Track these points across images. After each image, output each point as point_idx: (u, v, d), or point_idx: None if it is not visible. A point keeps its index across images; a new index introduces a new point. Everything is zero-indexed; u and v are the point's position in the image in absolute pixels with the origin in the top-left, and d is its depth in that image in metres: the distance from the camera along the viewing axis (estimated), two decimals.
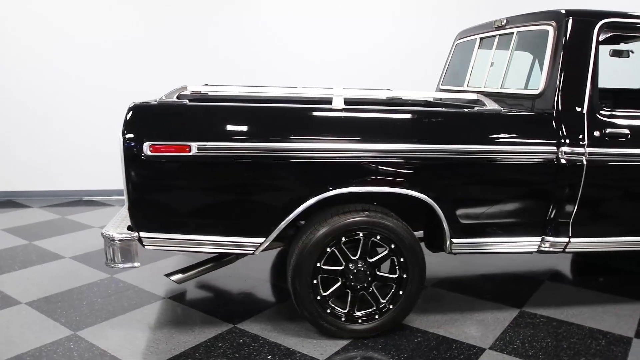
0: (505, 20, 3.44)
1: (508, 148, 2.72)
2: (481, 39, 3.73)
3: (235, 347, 2.68)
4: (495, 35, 3.55)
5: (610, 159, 2.83)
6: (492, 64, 3.54)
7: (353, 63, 6.43)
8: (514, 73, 3.35)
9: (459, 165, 2.69)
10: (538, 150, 2.75)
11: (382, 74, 6.38)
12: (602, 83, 4.31)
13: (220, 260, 2.91)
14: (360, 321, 2.77)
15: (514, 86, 3.24)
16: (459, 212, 2.76)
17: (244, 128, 2.51)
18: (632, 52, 3.66)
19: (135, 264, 2.55)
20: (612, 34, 2.91)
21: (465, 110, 2.79)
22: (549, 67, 2.91)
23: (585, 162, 2.80)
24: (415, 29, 6.28)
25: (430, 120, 2.70)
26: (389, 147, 2.61)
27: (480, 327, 2.94)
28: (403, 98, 3.92)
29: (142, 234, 2.54)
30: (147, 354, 2.60)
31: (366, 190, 2.62)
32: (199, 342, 2.73)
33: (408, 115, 2.70)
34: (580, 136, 2.80)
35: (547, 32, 2.97)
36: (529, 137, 2.76)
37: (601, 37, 2.88)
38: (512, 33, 3.34)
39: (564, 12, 2.91)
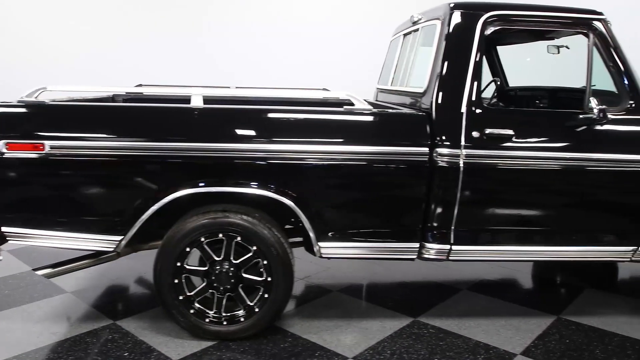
0: (420, 16, 3.29)
1: (374, 149, 2.60)
2: (404, 35, 3.59)
3: (99, 343, 2.71)
4: (411, 32, 3.41)
5: (491, 162, 2.64)
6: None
7: (337, 64, 6.38)
8: (420, 70, 3.20)
9: (322, 166, 2.60)
10: (409, 152, 2.61)
11: (370, 74, 6.27)
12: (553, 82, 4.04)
13: (98, 257, 2.94)
14: (225, 323, 2.73)
15: (415, 84, 3.10)
16: (325, 215, 2.67)
17: (94, 127, 2.53)
18: (568, 48, 3.41)
19: None
20: (500, 27, 2.72)
21: (329, 109, 2.69)
22: (432, 64, 2.77)
23: (462, 165, 2.62)
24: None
25: (287, 120, 2.62)
26: (245, 146, 2.56)
27: (358, 336, 2.82)
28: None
29: (4, 229, 2.61)
30: (13, 346, 2.67)
31: (219, 191, 2.58)
32: (69, 336, 2.78)
33: (261, 115, 2.64)
34: (457, 137, 2.63)
35: (435, 26, 2.82)
36: (399, 137, 2.63)
37: (488, 31, 2.70)
38: (419, 29, 3.19)
39: (451, 5, 2.75)
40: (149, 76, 6.03)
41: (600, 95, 2.88)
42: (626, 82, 2.75)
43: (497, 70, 4.07)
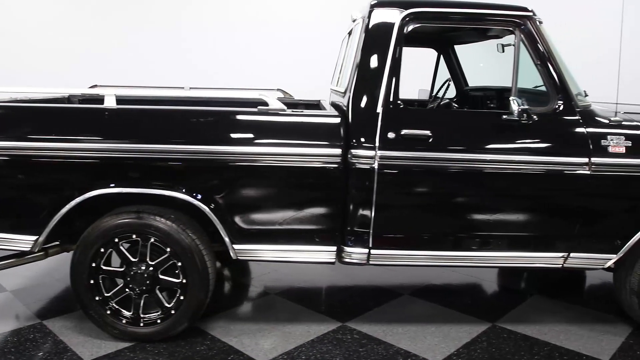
0: (357, 15, 3.22)
1: (287, 150, 2.55)
2: (349, 34, 3.52)
3: (19, 343, 2.71)
4: (351, 31, 3.35)
5: (406, 163, 2.56)
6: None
7: (318, 64, 6.32)
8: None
9: (235, 168, 2.57)
10: (322, 154, 2.56)
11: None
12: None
13: (23, 256, 2.95)
14: (142, 324, 2.71)
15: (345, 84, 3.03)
16: (238, 217, 2.63)
17: (7, 127, 2.54)
18: (514, 46, 3.30)
19: None
20: (421, 24, 2.64)
21: (239, 110, 2.66)
22: (352, 63, 2.71)
23: (377, 167, 2.55)
24: None
25: (198, 120, 2.59)
26: (156, 147, 2.54)
27: (278, 340, 2.77)
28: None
29: None
30: None
31: (129, 192, 2.57)
32: None
33: (171, 115, 2.62)
34: (372, 138, 2.56)
35: (359, 25, 2.76)
36: (313, 138, 2.57)
37: (408, 29, 2.63)
38: (353, 28, 3.13)
39: (372, 3, 2.69)
40: (128, 76, 6.09)
41: (539, 95, 2.78)
42: (554, 81, 2.64)
43: (456, 71, 3.96)
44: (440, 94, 3.89)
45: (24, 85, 2.99)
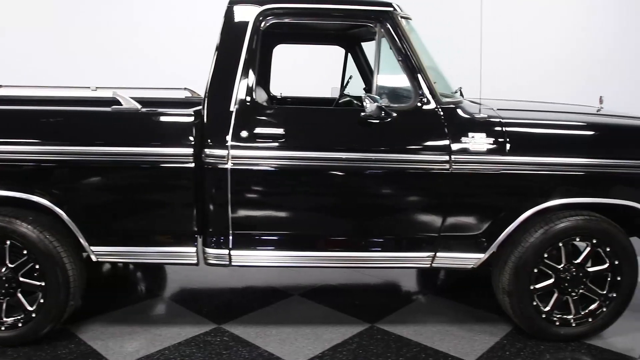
0: None
1: (139, 150, 2.51)
2: None
3: None
4: None
5: (259, 163, 2.52)
6: None
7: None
8: None
9: (87, 169, 2.53)
10: (174, 153, 2.52)
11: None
12: None
13: None
14: (3, 328, 2.67)
15: None
16: (94, 219, 2.59)
17: None
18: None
19: None
20: (278, 21, 2.60)
21: (89, 109, 2.61)
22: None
23: (229, 167, 2.51)
24: None
25: (47, 120, 2.55)
26: (8, 148, 2.50)
27: (145, 342, 2.73)
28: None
29: None
30: None
31: None
32: None
33: (26, 115, 2.58)
34: (225, 137, 2.51)
35: None
36: (166, 138, 2.53)
37: (265, 25, 2.58)
38: None
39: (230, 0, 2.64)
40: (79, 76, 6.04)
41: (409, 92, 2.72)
42: (416, 78, 2.59)
43: (364, 68, 3.91)
44: (346, 91, 3.86)
45: None
